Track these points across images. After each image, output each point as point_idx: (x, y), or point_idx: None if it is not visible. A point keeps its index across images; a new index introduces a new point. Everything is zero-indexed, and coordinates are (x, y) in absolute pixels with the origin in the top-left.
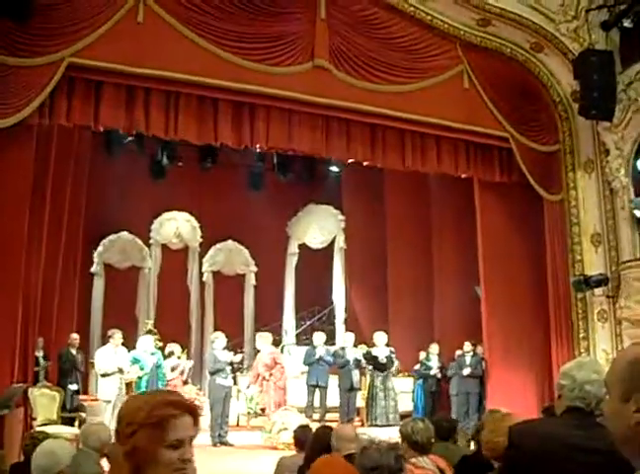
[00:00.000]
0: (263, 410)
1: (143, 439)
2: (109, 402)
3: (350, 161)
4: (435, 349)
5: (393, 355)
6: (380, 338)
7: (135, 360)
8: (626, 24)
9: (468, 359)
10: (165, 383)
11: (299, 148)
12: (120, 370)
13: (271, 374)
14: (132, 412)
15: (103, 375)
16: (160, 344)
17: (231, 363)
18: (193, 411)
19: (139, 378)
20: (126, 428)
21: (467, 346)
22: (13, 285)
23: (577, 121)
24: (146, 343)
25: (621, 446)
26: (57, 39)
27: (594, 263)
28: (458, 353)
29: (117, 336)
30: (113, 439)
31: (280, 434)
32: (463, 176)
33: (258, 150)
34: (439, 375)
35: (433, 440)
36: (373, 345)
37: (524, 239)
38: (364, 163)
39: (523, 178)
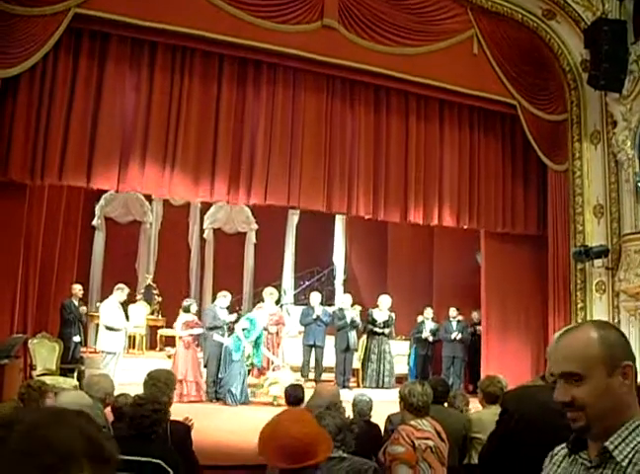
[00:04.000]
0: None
1: None
2: (112, 354)
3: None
4: (429, 313)
5: (391, 321)
6: (385, 301)
7: (251, 322)
8: None
9: (455, 325)
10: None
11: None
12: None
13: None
14: None
15: (108, 328)
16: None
17: (228, 324)
18: None
19: (238, 339)
20: None
21: (453, 311)
22: (14, 237)
23: (585, 92)
24: (264, 316)
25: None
26: None
27: (595, 234)
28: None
29: (125, 291)
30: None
31: (269, 388)
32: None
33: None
34: (430, 339)
35: (429, 404)
36: (375, 306)
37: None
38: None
39: (528, 146)
